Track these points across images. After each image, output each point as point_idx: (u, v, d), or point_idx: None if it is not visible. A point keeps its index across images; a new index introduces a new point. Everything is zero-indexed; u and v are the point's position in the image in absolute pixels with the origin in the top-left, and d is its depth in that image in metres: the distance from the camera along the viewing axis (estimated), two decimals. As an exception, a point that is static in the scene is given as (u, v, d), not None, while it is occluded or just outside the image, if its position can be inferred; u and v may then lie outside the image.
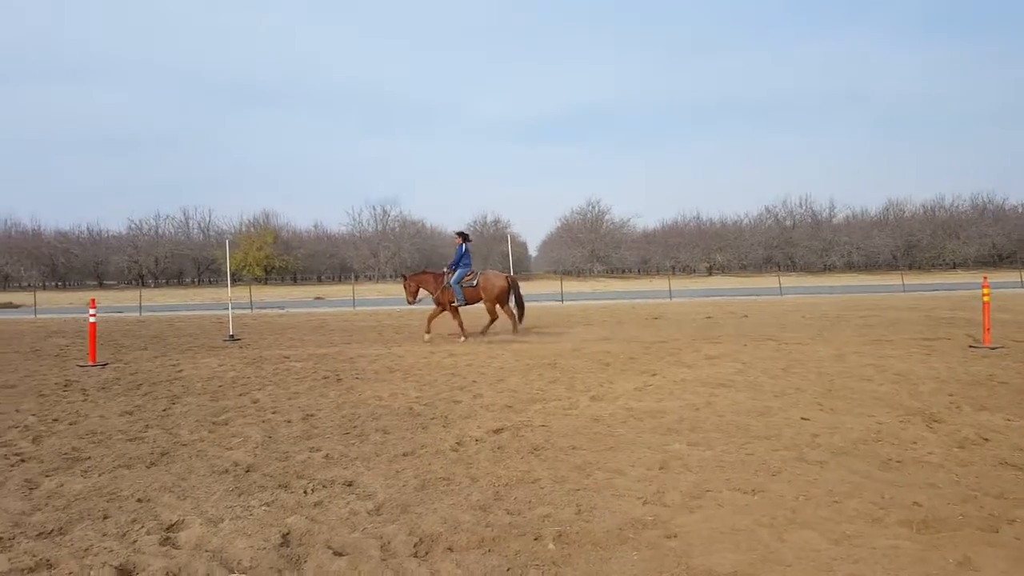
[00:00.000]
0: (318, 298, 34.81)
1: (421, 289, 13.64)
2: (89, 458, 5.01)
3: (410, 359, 10.33)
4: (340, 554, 3.27)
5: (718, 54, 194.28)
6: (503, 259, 63.46)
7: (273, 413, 6.56)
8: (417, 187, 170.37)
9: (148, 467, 4.77)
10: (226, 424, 6.14)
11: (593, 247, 70.67)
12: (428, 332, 13.27)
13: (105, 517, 3.78)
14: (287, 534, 3.51)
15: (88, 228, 69.38)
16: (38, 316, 23.36)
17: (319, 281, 72.40)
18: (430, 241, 76.78)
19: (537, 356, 10.25)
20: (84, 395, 7.68)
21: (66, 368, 9.99)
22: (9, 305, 32.20)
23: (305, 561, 3.20)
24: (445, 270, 13.53)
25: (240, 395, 7.56)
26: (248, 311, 23.03)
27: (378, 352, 11.31)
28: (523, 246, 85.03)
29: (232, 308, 16.42)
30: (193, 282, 68.55)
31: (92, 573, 3.09)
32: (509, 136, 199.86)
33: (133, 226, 68.92)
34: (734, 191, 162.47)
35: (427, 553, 3.28)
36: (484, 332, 13.43)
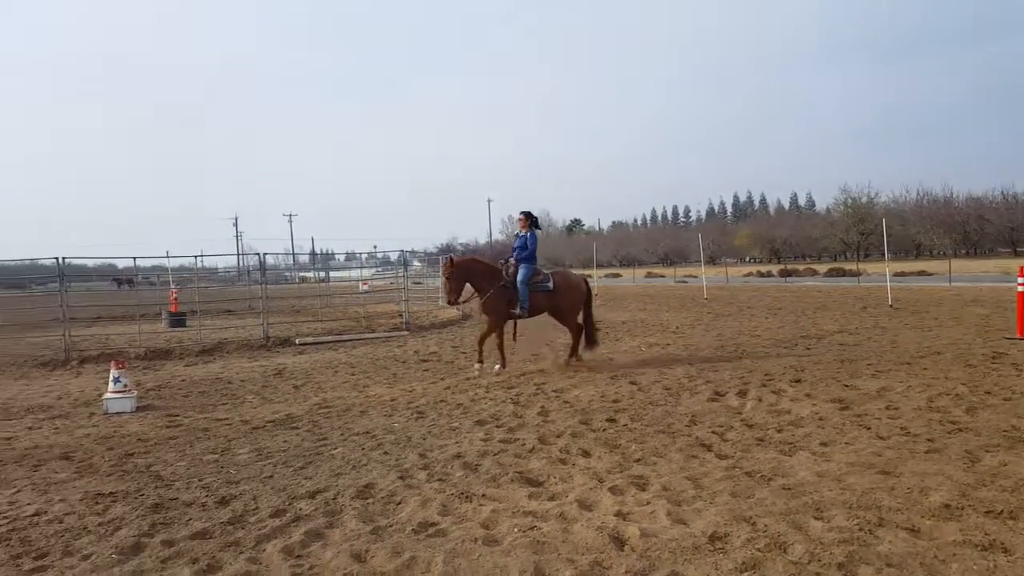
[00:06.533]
0: None
1: (468, 284, 8.95)
2: (1030, 440, 4.61)
3: None
4: None
5: None
6: None
7: None
8: None
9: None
10: None
11: None
12: (480, 361, 8.99)
13: None
14: None
15: (1002, 191, 64.75)
16: (952, 284, 23.57)
17: None
18: None
19: None
20: (1017, 370, 7.20)
21: (991, 339, 9.64)
22: (922, 273, 33.82)
23: None
24: (509, 261, 9.15)
25: None
26: None
27: None
28: None
29: None
30: None
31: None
32: None
33: (1055, 184, 60.89)
34: None
35: None
36: (571, 359, 9.18)
